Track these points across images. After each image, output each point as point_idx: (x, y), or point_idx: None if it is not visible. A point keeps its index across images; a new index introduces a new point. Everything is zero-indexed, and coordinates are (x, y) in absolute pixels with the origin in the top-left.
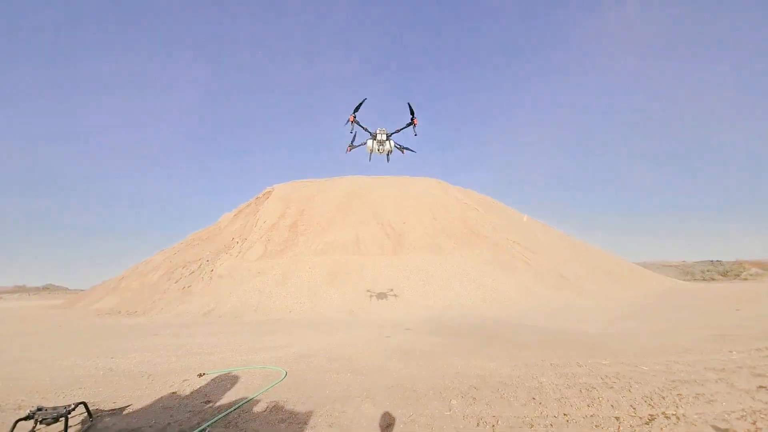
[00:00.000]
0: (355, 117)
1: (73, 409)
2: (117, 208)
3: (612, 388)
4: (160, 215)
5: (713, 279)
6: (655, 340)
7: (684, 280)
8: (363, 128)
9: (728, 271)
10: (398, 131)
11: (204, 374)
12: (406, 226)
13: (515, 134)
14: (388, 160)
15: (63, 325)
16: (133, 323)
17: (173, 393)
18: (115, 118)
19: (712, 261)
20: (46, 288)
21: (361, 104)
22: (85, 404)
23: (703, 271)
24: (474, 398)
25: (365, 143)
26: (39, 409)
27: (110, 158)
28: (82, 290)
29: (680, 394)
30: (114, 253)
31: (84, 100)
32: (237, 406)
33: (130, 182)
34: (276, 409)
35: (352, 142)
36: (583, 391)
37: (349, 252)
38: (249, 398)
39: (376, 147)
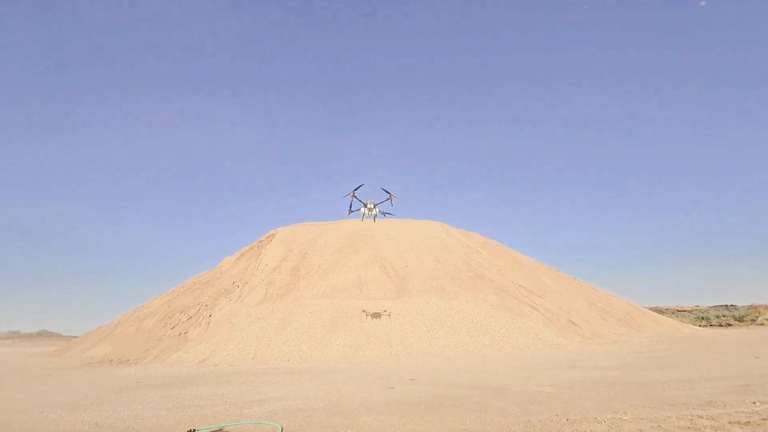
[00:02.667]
0: (354, 194)
1: None
2: (116, 251)
3: None
4: (161, 258)
5: (729, 324)
6: (675, 390)
7: (699, 325)
8: (359, 200)
9: (744, 316)
10: (381, 203)
11: (194, 430)
12: (409, 269)
13: (521, 177)
14: (374, 221)
15: (53, 374)
16: (124, 373)
17: None
18: (112, 158)
19: (726, 306)
20: (40, 334)
21: (359, 188)
22: None
23: (718, 317)
24: None
25: (359, 210)
26: None
27: (109, 199)
28: (75, 336)
29: None
30: (112, 298)
31: (76, 137)
32: None
33: (130, 225)
34: None
35: (350, 208)
36: None
37: (351, 296)
38: None
39: (367, 212)
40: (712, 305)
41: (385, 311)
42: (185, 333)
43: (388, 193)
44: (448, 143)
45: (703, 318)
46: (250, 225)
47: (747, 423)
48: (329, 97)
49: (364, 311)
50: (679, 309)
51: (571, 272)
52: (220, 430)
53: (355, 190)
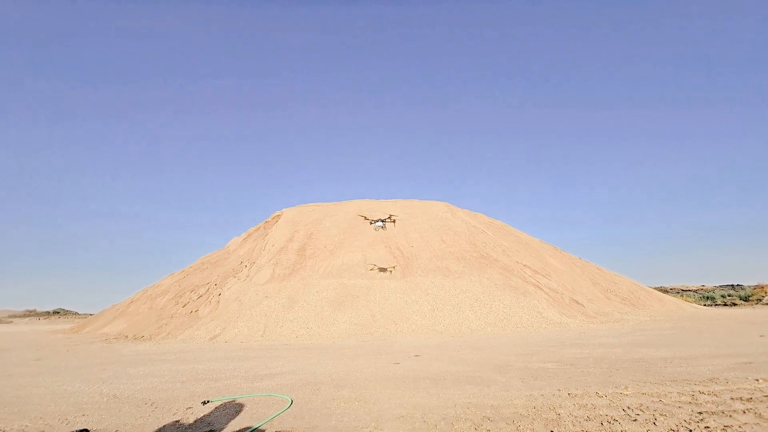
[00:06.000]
0: (385, 221)
1: None
2: (129, 232)
3: (636, 420)
4: (171, 238)
5: (735, 304)
6: (677, 367)
7: (704, 305)
8: (381, 220)
9: (750, 296)
10: (388, 221)
11: (208, 402)
12: (414, 249)
13: (526, 156)
14: (376, 230)
15: (70, 349)
16: (140, 348)
17: (176, 421)
18: (125, 143)
19: (732, 285)
20: (57, 312)
21: (384, 221)
22: None
23: (723, 296)
24: (488, 430)
25: (375, 225)
26: None
27: (121, 183)
28: (91, 314)
29: (708, 427)
30: (125, 277)
31: (85, 124)
32: None
33: (141, 205)
34: None
35: (365, 218)
36: (604, 423)
37: (356, 275)
38: (254, 427)
39: (379, 225)
40: (718, 285)
41: (399, 314)
42: (196, 311)
43: (391, 218)
44: (454, 122)
45: (708, 297)
46: (256, 206)
47: (749, 399)
48: (331, 80)
49: (375, 315)
50: (684, 288)
51: (576, 252)
52: (233, 401)
53: (383, 221)
